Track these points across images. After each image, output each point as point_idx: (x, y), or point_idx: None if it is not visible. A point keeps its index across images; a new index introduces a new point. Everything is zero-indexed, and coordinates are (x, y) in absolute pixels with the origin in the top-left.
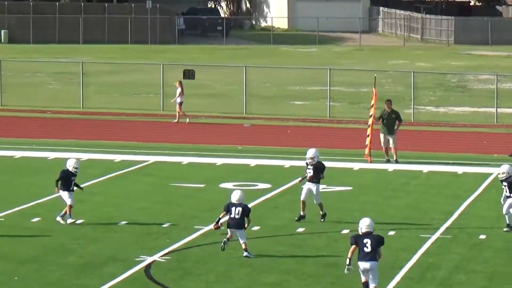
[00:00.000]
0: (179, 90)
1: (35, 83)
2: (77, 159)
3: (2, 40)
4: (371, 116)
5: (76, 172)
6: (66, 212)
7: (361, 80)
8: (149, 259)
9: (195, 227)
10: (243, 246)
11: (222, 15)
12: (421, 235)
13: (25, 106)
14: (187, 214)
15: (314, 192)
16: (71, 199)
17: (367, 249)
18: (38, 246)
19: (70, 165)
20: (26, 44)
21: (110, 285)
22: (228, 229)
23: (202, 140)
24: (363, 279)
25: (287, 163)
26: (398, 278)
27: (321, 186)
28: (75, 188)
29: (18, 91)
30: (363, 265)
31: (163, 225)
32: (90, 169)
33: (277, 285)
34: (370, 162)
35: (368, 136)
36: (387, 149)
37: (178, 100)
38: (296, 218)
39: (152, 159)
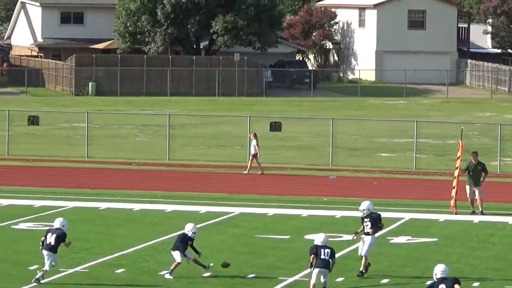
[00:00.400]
0: (254, 142)
1: (122, 135)
2: (194, 225)
3: (90, 93)
4: (457, 168)
5: (194, 236)
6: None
7: (448, 132)
8: None
9: (280, 278)
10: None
11: (310, 67)
12: (506, 287)
13: (111, 158)
14: (272, 265)
15: (368, 243)
16: (181, 258)
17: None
18: None
19: (188, 230)
20: (113, 96)
21: None
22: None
23: (288, 191)
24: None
25: None
26: None
27: (404, 238)
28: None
29: (105, 143)
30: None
31: (248, 277)
32: (175, 220)
33: None
34: (456, 213)
35: (454, 187)
36: (473, 200)
37: (253, 151)
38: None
39: (237, 210)
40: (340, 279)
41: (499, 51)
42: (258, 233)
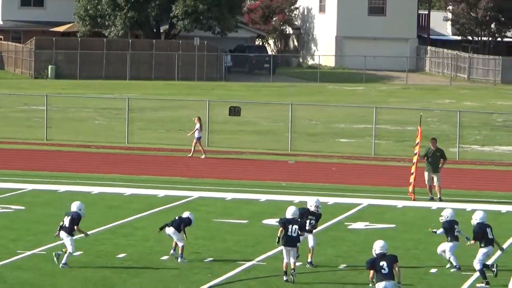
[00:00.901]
0: (197, 125)
1: (81, 118)
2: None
3: (49, 75)
4: (416, 154)
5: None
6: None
7: (407, 119)
8: None
9: (237, 262)
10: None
11: (270, 52)
12: (463, 273)
13: (70, 141)
14: (229, 249)
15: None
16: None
17: (385, 271)
18: (79, 279)
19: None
20: (73, 79)
21: None
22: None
23: (246, 176)
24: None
25: (331, 200)
26: None
27: (362, 224)
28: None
29: (64, 126)
30: (382, 285)
31: (205, 260)
32: (133, 204)
33: None
34: (414, 200)
35: (412, 174)
36: (431, 187)
37: (196, 135)
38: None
39: (196, 194)
40: (298, 264)
41: (459, 38)
42: (216, 217)
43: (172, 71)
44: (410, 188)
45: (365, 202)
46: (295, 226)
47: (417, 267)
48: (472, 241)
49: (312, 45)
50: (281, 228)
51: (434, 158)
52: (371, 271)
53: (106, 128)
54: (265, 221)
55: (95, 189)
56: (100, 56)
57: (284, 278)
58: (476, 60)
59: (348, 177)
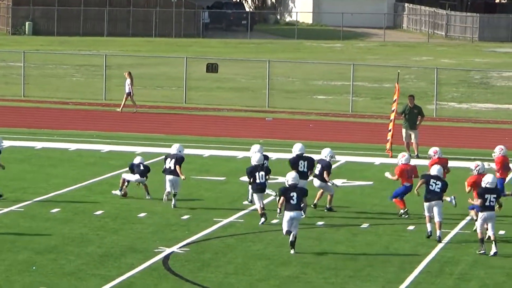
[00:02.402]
0: (128, 80)
1: (59, 75)
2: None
3: (27, 32)
4: (393, 111)
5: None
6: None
7: (384, 76)
8: (167, 251)
9: (215, 219)
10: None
11: (247, 9)
12: (442, 230)
13: (47, 98)
14: (207, 206)
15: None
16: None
17: (293, 201)
18: (57, 236)
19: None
20: (50, 36)
21: (128, 275)
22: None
23: (224, 133)
24: (286, 226)
25: None
26: (416, 272)
27: (340, 181)
28: None
29: (41, 82)
30: (289, 214)
31: (183, 217)
32: (110, 161)
33: (295, 278)
34: (391, 157)
35: (389, 131)
36: (409, 144)
37: (127, 90)
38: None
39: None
40: (275, 221)
41: None
42: (194, 175)
43: (150, 28)
44: (388, 145)
45: (342, 159)
46: (262, 173)
47: (395, 224)
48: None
49: (290, 1)
50: (281, 199)
51: (412, 115)
52: (281, 198)
53: (84, 84)
54: (243, 178)
55: (72, 146)
56: (78, 12)
57: (262, 220)
58: (453, 17)
59: (326, 134)
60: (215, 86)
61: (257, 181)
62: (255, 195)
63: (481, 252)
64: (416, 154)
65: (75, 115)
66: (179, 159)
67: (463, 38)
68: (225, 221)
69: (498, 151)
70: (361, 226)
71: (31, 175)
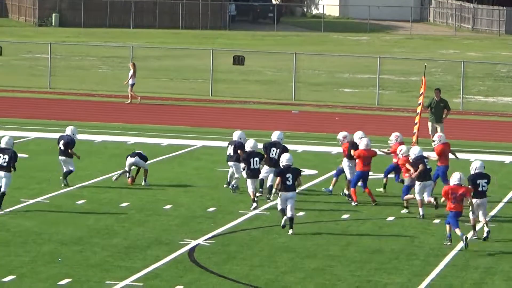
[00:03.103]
0: (131, 72)
1: (85, 66)
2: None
3: (53, 23)
4: (419, 104)
5: None
6: None
7: (410, 69)
8: (193, 243)
9: (240, 211)
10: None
11: (274, 1)
12: (466, 224)
13: (73, 89)
14: (233, 198)
15: None
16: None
17: (289, 182)
18: (82, 227)
19: None
20: (76, 27)
21: (153, 267)
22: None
23: (250, 125)
24: (282, 205)
25: (334, 150)
26: (442, 265)
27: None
28: None
29: (67, 74)
30: (286, 194)
31: (208, 209)
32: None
33: (321, 271)
34: None
35: (416, 124)
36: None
37: (131, 82)
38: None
39: (199, 143)
40: (301, 213)
41: None
42: (220, 167)
43: (176, 20)
44: (414, 138)
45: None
46: (256, 159)
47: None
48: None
49: None
50: (278, 180)
51: (438, 109)
52: (278, 179)
53: (110, 76)
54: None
55: (98, 138)
56: (104, 4)
57: (253, 205)
58: (480, 11)
59: (352, 127)
60: (241, 78)
61: (251, 167)
62: (248, 181)
63: (474, 237)
64: None
65: (101, 106)
66: (238, 146)
67: (489, 31)
68: (251, 213)
69: (394, 138)
70: (387, 219)
71: (57, 166)
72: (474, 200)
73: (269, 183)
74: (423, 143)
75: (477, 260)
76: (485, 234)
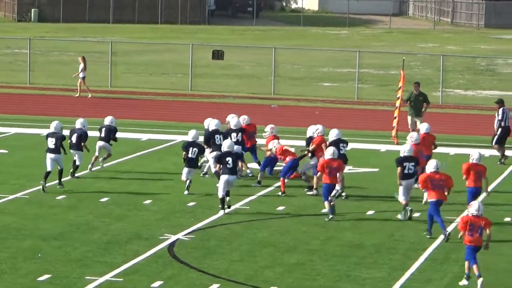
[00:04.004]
0: (82, 65)
1: (64, 61)
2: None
3: (32, 19)
4: (398, 98)
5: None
6: None
7: (390, 63)
8: (173, 238)
9: (220, 206)
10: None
11: None
12: (446, 217)
13: (53, 85)
14: (212, 193)
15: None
16: None
17: (229, 165)
18: (62, 223)
19: None
20: (56, 23)
21: (133, 262)
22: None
23: None
24: (222, 190)
25: None
26: (422, 259)
27: (346, 168)
28: None
29: (47, 69)
30: (225, 177)
31: (188, 204)
32: (116, 147)
33: (301, 265)
34: (397, 143)
35: (395, 118)
36: (414, 131)
37: (81, 75)
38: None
39: (179, 138)
40: (281, 207)
41: None
42: (199, 161)
43: (156, 15)
44: (393, 132)
45: (348, 146)
46: (195, 149)
47: (401, 211)
48: None
49: None
50: (217, 166)
51: (417, 102)
52: (218, 165)
53: (89, 71)
54: (249, 165)
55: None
56: None
57: (186, 192)
58: (459, 4)
59: (331, 121)
60: (220, 73)
61: (189, 155)
62: (185, 169)
63: (405, 218)
64: None
65: (80, 101)
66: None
67: (469, 25)
68: (231, 208)
69: (269, 130)
70: (367, 213)
71: (36, 161)
72: (403, 182)
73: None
74: (403, 137)
75: (457, 253)
76: (408, 214)
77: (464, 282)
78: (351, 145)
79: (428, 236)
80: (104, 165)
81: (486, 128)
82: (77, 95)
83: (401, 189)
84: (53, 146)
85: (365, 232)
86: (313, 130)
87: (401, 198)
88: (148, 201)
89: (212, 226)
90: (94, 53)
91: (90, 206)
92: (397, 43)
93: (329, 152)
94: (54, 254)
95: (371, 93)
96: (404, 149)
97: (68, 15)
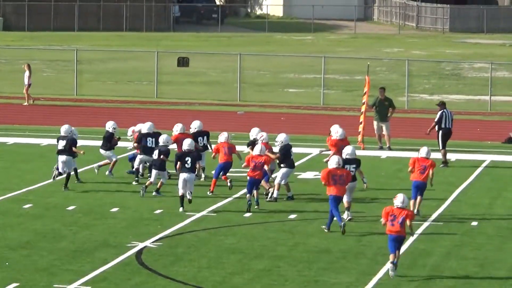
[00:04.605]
0: (27, 73)
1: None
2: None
3: None
4: (364, 103)
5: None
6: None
7: (355, 68)
8: (140, 245)
9: (187, 213)
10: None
11: (218, 2)
12: (413, 222)
13: (19, 93)
14: (179, 200)
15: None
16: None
17: (188, 165)
18: (29, 232)
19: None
20: (21, 31)
21: (101, 270)
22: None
23: None
24: (181, 188)
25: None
26: (390, 264)
27: (312, 174)
28: None
29: (12, 78)
30: (183, 176)
31: (155, 212)
32: (84, 156)
33: (268, 271)
34: (363, 149)
35: (361, 123)
36: (380, 136)
37: (26, 82)
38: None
39: None
40: (248, 214)
41: None
42: (167, 169)
43: (120, 22)
44: (359, 138)
45: (314, 151)
46: (151, 139)
47: (368, 216)
48: None
49: None
50: (178, 164)
51: (382, 108)
52: (179, 163)
53: (55, 80)
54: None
55: (44, 141)
56: (49, 7)
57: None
58: (424, 9)
59: (298, 127)
60: (186, 80)
61: (147, 144)
62: (140, 157)
63: (349, 218)
64: (388, 146)
65: (46, 110)
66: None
67: (434, 30)
68: (198, 215)
69: (257, 134)
70: (334, 218)
71: (2, 170)
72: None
73: None
74: (369, 142)
75: (424, 258)
76: (347, 217)
77: (390, 272)
78: (317, 150)
79: (326, 230)
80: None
81: (455, 131)
82: (26, 104)
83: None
84: (62, 148)
85: (332, 238)
86: (256, 132)
87: (345, 199)
88: (115, 209)
89: (180, 233)
90: (60, 61)
91: (57, 214)
92: (362, 48)
93: (334, 161)
94: (22, 263)
95: (336, 99)
96: (346, 152)
97: (33, 23)
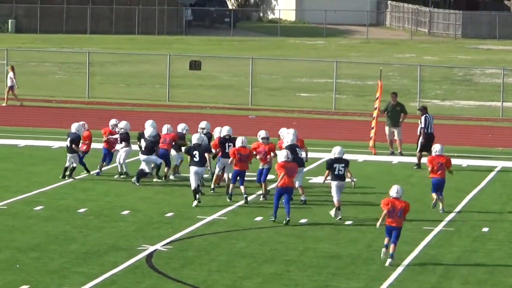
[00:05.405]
0: (11, 74)
1: (41, 72)
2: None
3: (9, 30)
4: (376, 108)
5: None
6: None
7: (367, 73)
8: (151, 248)
9: (198, 216)
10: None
11: (230, 6)
12: (424, 228)
13: (30, 96)
14: (190, 203)
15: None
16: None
17: (196, 159)
18: (40, 234)
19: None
20: (33, 33)
21: (111, 273)
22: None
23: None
24: (194, 181)
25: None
26: (399, 269)
27: (323, 178)
28: None
29: (24, 80)
30: (193, 169)
31: (166, 215)
32: (94, 158)
33: (278, 276)
34: (375, 154)
35: (372, 128)
36: (392, 141)
37: (9, 83)
38: None
39: None
40: (258, 218)
41: None
42: (176, 172)
43: (133, 25)
44: (371, 143)
45: (326, 156)
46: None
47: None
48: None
49: None
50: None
51: (394, 113)
52: (189, 156)
53: (67, 82)
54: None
55: (56, 144)
56: (61, 10)
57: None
58: (436, 15)
59: (309, 131)
60: (198, 83)
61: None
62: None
63: (338, 218)
64: (399, 151)
65: (58, 112)
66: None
67: (446, 35)
68: (208, 218)
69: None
70: (345, 223)
71: (13, 173)
72: (333, 183)
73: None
74: (381, 147)
75: (434, 264)
76: (339, 216)
77: (382, 255)
78: (329, 155)
79: (271, 220)
80: (81, 176)
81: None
82: (4, 104)
83: (333, 190)
84: (68, 144)
85: (342, 243)
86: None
87: (335, 199)
88: (126, 212)
89: (190, 236)
90: (71, 63)
91: (68, 217)
92: (374, 54)
93: (282, 155)
94: (32, 265)
95: (348, 104)
96: (335, 152)
97: (45, 26)
